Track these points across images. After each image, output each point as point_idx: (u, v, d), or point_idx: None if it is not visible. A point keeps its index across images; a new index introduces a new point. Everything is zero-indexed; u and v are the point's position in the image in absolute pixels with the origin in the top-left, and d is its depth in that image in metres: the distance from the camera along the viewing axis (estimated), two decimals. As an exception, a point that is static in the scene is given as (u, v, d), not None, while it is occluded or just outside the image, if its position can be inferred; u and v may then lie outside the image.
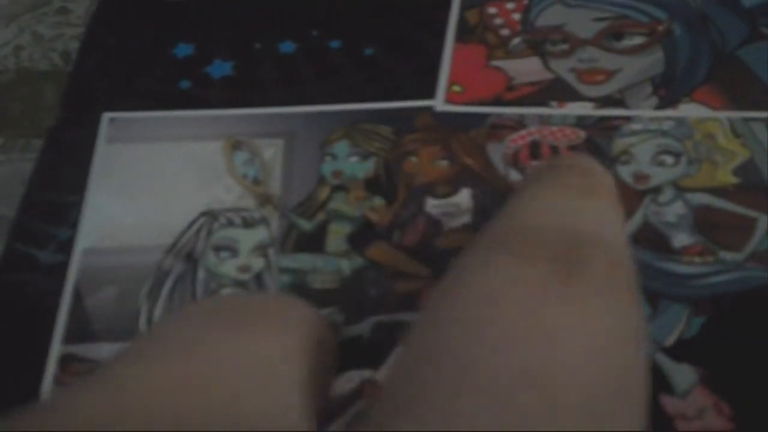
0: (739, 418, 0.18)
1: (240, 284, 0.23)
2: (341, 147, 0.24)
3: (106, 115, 0.26)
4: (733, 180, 0.22)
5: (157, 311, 0.22)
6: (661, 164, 0.22)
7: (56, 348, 0.22)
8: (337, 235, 0.23)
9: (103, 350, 0.22)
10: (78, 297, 0.23)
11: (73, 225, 0.24)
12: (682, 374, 0.19)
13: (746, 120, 0.23)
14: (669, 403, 0.19)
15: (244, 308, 0.16)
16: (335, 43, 0.27)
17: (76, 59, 0.29)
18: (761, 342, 0.19)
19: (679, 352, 0.19)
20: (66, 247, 0.24)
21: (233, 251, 0.23)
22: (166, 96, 0.26)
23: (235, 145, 0.25)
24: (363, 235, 0.23)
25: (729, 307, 0.20)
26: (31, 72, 0.32)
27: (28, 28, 0.32)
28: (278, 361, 0.15)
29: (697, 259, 0.21)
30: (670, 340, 0.20)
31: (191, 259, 0.23)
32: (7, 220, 0.26)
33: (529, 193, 0.16)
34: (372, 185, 0.24)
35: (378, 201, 0.23)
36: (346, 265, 0.22)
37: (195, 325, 0.15)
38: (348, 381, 0.21)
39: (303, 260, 0.23)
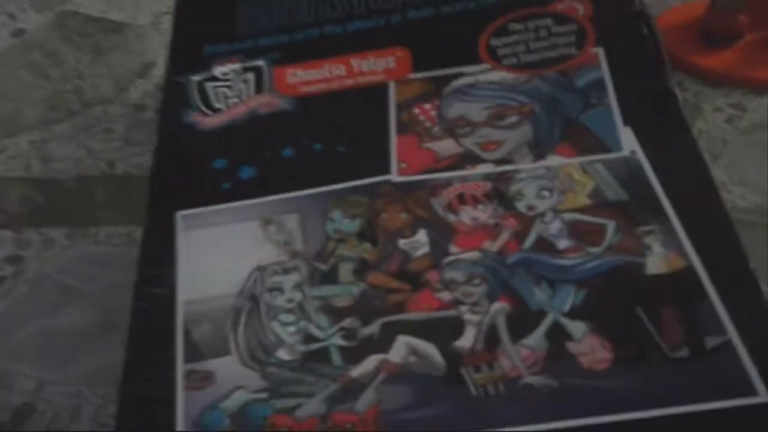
0: (617, 350, 0.20)
1: (289, 311, 0.24)
2: (337, 214, 0.26)
3: (179, 213, 0.27)
4: (588, 201, 0.24)
5: (239, 336, 0.23)
6: (542, 197, 0.25)
7: (180, 366, 0.23)
8: (345, 271, 0.24)
9: (210, 364, 0.23)
10: (187, 331, 0.23)
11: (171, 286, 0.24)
12: (578, 328, 0.21)
13: (590, 162, 0.25)
14: (571, 346, 0.21)
15: None
16: (318, 146, 0.28)
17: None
18: (622, 301, 0.22)
19: (574, 314, 0.22)
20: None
21: (280, 290, 0.24)
22: (215, 196, 0.27)
23: (268, 222, 0.26)
24: (362, 269, 0.24)
25: (598, 282, 0.22)
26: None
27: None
28: None
29: (574, 255, 0.23)
30: (566, 308, 0.22)
31: (255, 299, 0.24)
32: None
33: None
34: (361, 236, 0.25)
35: (367, 246, 0.25)
36: (355, 290, 0.24)
37: None
38: (370, 362, 0.22)
39: (326, 290, 0.24)
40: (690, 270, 0.21)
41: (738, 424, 0.18)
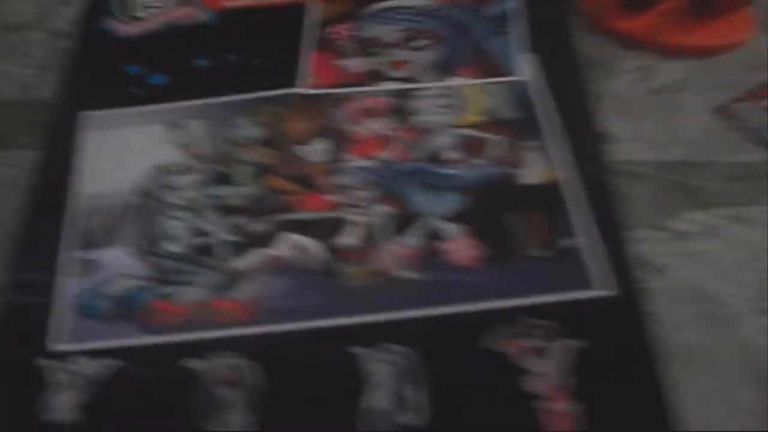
0: (485, 245, 0.22)
1: (182, 208, 0.24)
2: (243, 121, 0.27)
3: (85, 113, 0.28)
4: (480, 119, 0.26)
5: (129, 229, 0.24)
6: (438, 114, 0.26)
7: (66, 254, 0.23)
8: (244, 174, 0.25)
9: (96, 254, 0.23)
10: (77, 222, 0.24)
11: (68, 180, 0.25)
12: (452, 229, 0.23)
13: (487, 84, 0.26)
14: (444, 245, 0.23)
15: None
16: (233, 58, 0.28)
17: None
18: (495, 206, 0.23)
19: (451, 217, 0.23)
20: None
21: (175, 188, 0.25)
22: (124, 100, 0.28)
23: (173, 126, 0.27)
24: (260, 172, 0.25)
25: (477, 189, 0.24)
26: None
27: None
28: None
29: (460, 166, 0.25)
30: (445, 212, 0.23)
31: (149, 195, 0.25)
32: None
33: None
34: (264, 142, 0.26)
35: (268, 151, 0.26)
36: (250, 191, 0.25)
37: None
38: (254, 256, 0.23)
39: (222, 190, 0.25)
40: (556, 183, 0.23)
41: (577, 311, 0.20)
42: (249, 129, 0.26)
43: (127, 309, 0.23)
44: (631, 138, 0.29)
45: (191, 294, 0.23)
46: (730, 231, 0.25)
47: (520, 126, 0.25)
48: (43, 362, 0.22)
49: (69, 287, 0.23)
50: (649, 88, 0.31)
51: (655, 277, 0.24)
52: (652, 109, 0.31)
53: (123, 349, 0.22)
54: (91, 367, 0.22)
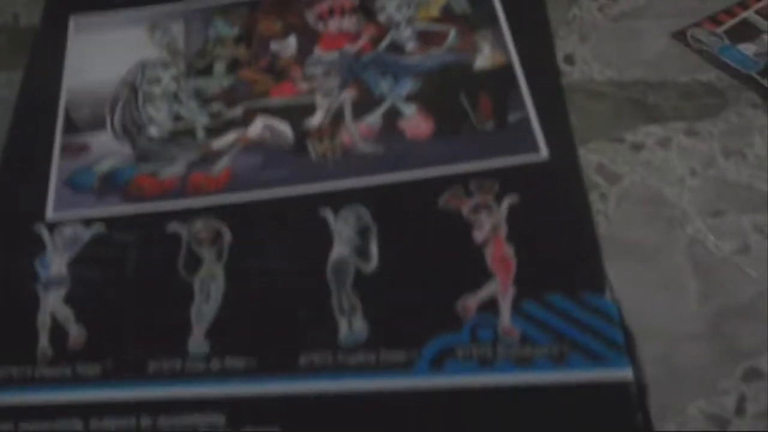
0: (437, 125, 0.24)
1: (164, 97, 0.27)
2: (219, 21, 0.29)
3: (72, 16, 0.30)
4: (438, 14, 0.28)
5: (116, 115, 0.27)
6: (400, 10, 0.28)
7: (59, 138, 0.26)
8: (219, 67, 0.28)
9: (86, 137, 0.26)
10: (68, 110, 0.27)
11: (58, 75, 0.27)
12: (409, 108, 0.25)
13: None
14: (402, 122, 0.25)
15: None
16: None
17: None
18: (449, 89, 0.25)
19: (408, 98, 0.25)
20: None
21: (158, 81, 0.27)
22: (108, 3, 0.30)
23: (154, 26, 0.29)
24: (234, 65, 0.28)
25: (433, 75, 0.26)
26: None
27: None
28: None
29: (418, 55, 0.27)
30: (403, 94, 0.25)
31: (134, 88, 0.28)
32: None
33: None
34: (238, 39, 0.28)
35: (241, 47, 0.28)
36: (226, 81, 0.27)
37: None
38: (230, 137, 0.25)
39: (200, 81, 0.27)
40: (508, 66, 0.25)
41: (517, 173, 0.23)
42: (224, 28, 0.29)
43: (114, 184, 0.25)
44: (591, 60, 0.31)
45: (172, 170, 0.25)
46: (683, 142, 0.28)
47: (474, 18, 0.27)
48: (39, 228, 0.25)
49: (62, 166, 0.26)
50: (609, 15, 0.33)
51: (609, 184, 0.26)
52: (612, 35, 0.33)
53: (109, 219, 0.24)
54: (80, 232, 0.24)
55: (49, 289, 0.23)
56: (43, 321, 0.22)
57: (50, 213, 0.24)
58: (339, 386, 0.20)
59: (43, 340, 0.22)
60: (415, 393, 0.19)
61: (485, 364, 0.20)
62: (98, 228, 0.24)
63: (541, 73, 0.25)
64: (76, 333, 0.22)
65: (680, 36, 0.31)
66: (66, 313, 0.22)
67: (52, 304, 0.22)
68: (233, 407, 0.19)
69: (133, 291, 0.22)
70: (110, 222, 0.24)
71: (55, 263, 0.23)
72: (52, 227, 0.24)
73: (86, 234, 0.24)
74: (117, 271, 0.23)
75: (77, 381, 0.21)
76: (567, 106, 0.24)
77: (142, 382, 0.20)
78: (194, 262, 0.23)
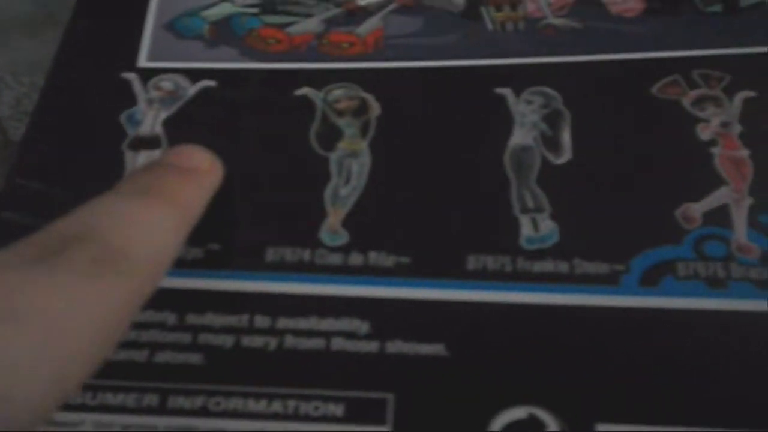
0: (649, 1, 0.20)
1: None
2: None
3: None
4: None
5: None
6: None
7: None
8: None
9: None
10: None
11: None
12: None
13: None
14: None
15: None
16: None
17: None
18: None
19: None
20: None
21: None
22: None
23: None
24: None
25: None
26: None
27: None
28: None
29: None
30: None
31: None
32: None
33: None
34: None
35: None
36: None
37: None
38: None
39: None
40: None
41: (760, 67, 0.19)
42: None
43: (230, 33, 0.21)
44: None
45: (305, 25, 0.21)
46: None
47: None
48: (132, 77, 0.21)
49: (165, 5, 0.22)
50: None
51: None
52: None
53: (223, 72, 0.20)
54: (183, 85, 0.21)
55: (138, 150, 0.19)
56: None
57: (144, 61, 0.20)
58: (518, 298, 0.16)
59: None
60: (619, 313, 0.16)
61: (715, 285, 0.16)
62: (207, 82, 0.20)
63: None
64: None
65: None
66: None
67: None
68: (377, 313, 0.16)
69: (247, 162, 0.18)
70: (223, 76, 0.20)
71: (148, 120, 0.19)
72: (146, 75, 0.20)
73: (191, 88, 0.20)
74: (228, 136, 0.19)
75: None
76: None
77: (258, 274, 0.17)
78: (332, 134, 0.19)
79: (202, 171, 0.16)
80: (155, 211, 0.14)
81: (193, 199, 0.15)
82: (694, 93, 0.19)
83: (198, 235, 0.17)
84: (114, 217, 0.13)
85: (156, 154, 0.19)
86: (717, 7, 0.21)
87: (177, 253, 0.15)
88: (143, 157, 0.19)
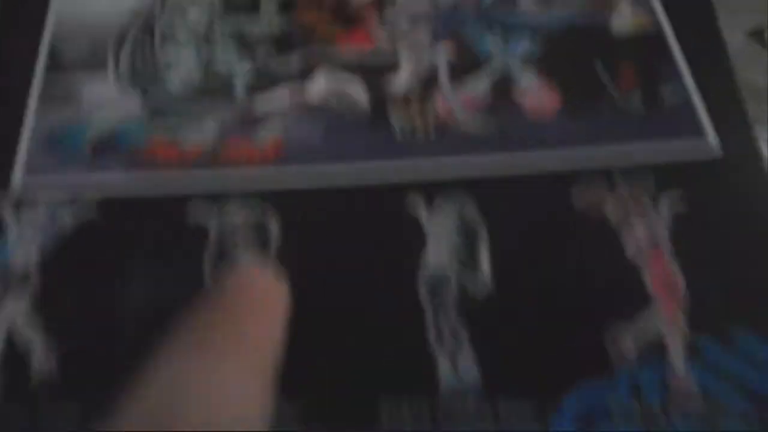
0: (565, 98, 0.19)
1: (191, 35, 0.21)
2: None
3: None
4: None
5: (123, 55, 0.21)
6: None
7: (39, 75, 0.20)
8: (268, 5, 0.22)
9: (78, 78, 0.20)
10: (55, 46, 0.21)
11: None
12: (527, 75, 0.20)
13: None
14: (517, 92, 0.20)
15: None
16: None
17: None
18: (579, 54, 0.20)
19: (525, 62, 0.20)
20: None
21: (185, 12, 0.22)
22: None
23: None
24: (290, 3, 0.22)
25: (557, 34, 0.21)
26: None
27: None
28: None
29: (536, 12, 0.21)
30: (518, 54, 0.20)
31: (149, 20, 0.22)
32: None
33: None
34: None
35: None
36: (278, 23, 0.22)
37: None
38: (281, 96, 0.20)
39: (243, 20, 0.22)
40: (656, 30, 0.21)
41: (685, 170, 0.18)
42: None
43: (115, 147, 0.19)
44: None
45: (199, 134, 0.19)
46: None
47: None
48: (4, 203, 0.19)
49: (40, 116, 0.20)
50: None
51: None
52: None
53: (106, 196, 0.18)
54: (61, 212, 0.19)
55: (8, 290, 0.17)
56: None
57: (18, 180, 0.19)
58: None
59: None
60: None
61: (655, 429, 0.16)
62: (88, 207, 0.18)
63: (699, 38, 0.20)
64: (41, 364, 0.16)
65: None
66: (28, 333, 0.17)
67: (10, 313, 0.17)
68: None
69: (135, 304, 0.17)
70: (106, 200, 0.18)
71: (20, 253, 0.18)
72: (18, 201, 0.18)
73: (70, 215, 0.18)
74: (113, 272, 0.17)
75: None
76: (736, 81, 0.20)
77: None
78: (227, 263, 0.18)
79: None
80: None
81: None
82: (616, 199, 0.18)
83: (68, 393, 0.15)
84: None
85: (27, 296, 0.17)
86: (636, 100, 0.19)
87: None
88: (11, 301, 0.17)
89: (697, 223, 0.17)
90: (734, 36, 0.29)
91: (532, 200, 0.18)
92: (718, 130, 0.19)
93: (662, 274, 0.17)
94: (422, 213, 0.18)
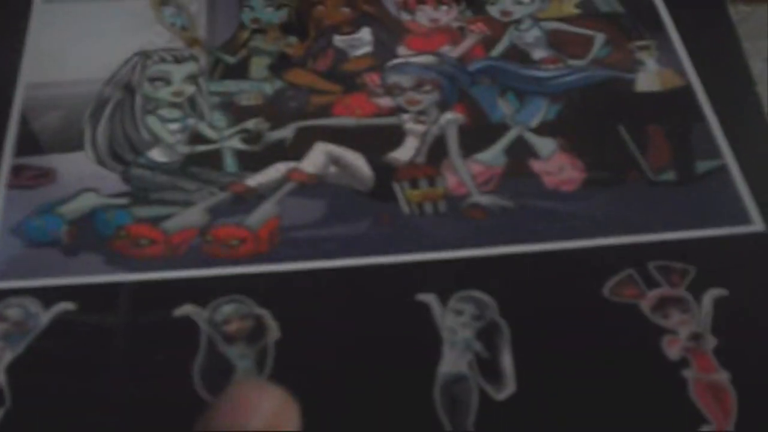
0: (590, 170, 0.18)
1: (175, 105, 0.20)
2: (257, 0, 0.22)
3: None
4: (576, 11, 0.22)
5: (100, 129, 0.19)
6: (520, 3, 0.22)
7: (7, 160, 0.19)
8: (258, 66, 0.21)
9: (51, 160, 0.19)
10: (25, 119, 0.19)
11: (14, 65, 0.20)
12: (545, 145, 0.19)
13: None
14: (536, 164, 0.18)
15: None
16: None
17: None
18: (602, 118, 0.19)
19: (543, 130, 0.19)
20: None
21: (167, 81, 0.20)
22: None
23: (163, 1, 0.22)
24: (280, 65, 0.21)
25: (577, 97, 0.19)
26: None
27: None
28: None
29: (551, 67, 0.20)
30: (534, 123, 0.19)
31: (129, 89, 0.20)
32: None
33: None
34: (285, 28, 0.22)
35: (292, 39, 0.21)
36: (268, 87, 0.20)
37: None
38: (276, 170, 0.19)
39: (230, 84, 0.21)
40: (686, 88, 0.19)
41: (729, 254, 0.16)
42: (265, 11, 0.22)
43: (93, 236, 0.17)
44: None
45: (186, 218, 0.18)
46: None
47: (628, 20, 0.21)
48: None
49: (9, 202, 0.18)
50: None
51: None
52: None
53: (82, 288, 0.16)
54: (34, 313, 0.17)
55: None
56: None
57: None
58: None
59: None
60: None
61: None
62: (65, 306, 0.16)
63: (736, 98, 0.19)
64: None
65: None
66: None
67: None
68: None
69: (117, 409, 0.15)
70: (85, 297, 0.16)
71: None
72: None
73: (44, 315, 0.16)
74: (94, 379, 0.15)
75: None
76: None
77: None
78: (220, 370, 0.16)
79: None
80: None
81: None
82: (653, 294, 0.17)
83: None
84: None
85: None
86: (670, 175, 0.18)
87: None
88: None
89: (744, 315, 0.15)
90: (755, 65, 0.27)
91: (559, 290, 0.16)
92: (762, 208, 0.17)
93: (707, 380, 0.15)
94: (437, 310, 0.16)
